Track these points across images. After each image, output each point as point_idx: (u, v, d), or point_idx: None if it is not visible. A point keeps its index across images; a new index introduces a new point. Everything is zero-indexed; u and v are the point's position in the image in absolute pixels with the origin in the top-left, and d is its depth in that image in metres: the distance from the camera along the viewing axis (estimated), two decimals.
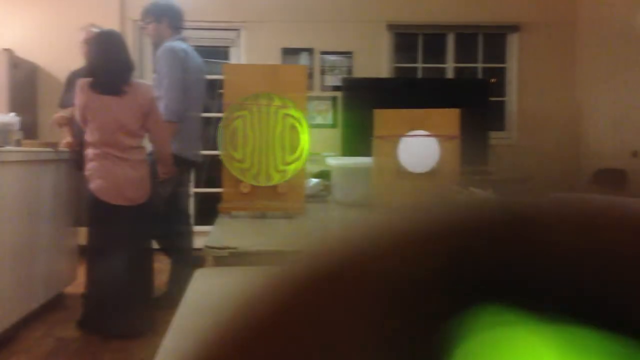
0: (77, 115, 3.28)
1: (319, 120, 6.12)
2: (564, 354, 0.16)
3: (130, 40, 5.59)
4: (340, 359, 0.17)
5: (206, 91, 4.05)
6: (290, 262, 0.21)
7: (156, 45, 3.85)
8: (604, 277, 0.18)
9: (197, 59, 3.87)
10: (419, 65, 6.46)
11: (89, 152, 3.25)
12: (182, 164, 3.75)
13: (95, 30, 3.64)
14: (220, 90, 1.99)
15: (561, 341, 0.16)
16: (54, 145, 3.82)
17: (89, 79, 3.23)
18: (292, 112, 1.91)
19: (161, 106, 3.52)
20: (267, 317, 0.19)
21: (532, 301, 0.17)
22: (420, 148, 2.02)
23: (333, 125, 6.13)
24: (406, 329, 0.17)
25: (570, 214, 0.20)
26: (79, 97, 3.22)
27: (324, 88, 6.20)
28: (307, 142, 1.93)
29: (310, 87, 6.06)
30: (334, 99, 6.17)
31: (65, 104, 3.84)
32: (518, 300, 0.17)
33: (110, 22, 5.01)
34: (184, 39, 3.85)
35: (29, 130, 4.89)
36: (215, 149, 1.92)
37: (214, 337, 0.19)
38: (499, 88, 6.47)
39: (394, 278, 0.18)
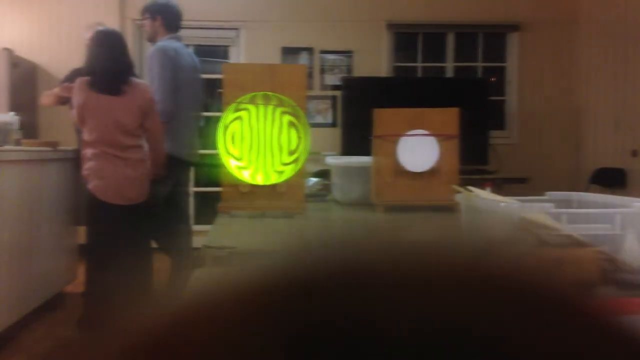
0: (75, 115, 3.27)
1: (318, 119, 6.12)
2: None
3: (129, 39, 5.58)
4: None
5: (203, 90, 4.05)
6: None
7: (151, 42, 3.89)
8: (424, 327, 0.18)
9: (190, 58, 3.87)
10: (419, 64, 6.46)
11: (87, 151, 3.25)
12: (176, 163, 3.74)
13: (101, 28, 3.64)
14: (220, 90, 1.99)
15: None
16: (53, 144, 3.82)
17: (88, 78, 3.22)
18: (292, 111, 1.91)
19: None
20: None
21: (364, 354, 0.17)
22: (419, 147, 2.02)
23: (333, 125, 6.13)
24: None
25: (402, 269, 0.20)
26: (78, 96, 3.21)
27: (324, 87, 6.20)
28: (306, 141, 1.93)
29: (309, 87, 6.06)
30: (333, 98, 6.17)
31: (64, 103, 3.85)
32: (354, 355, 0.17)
33: (109, 21, 5.00)
34: (178, 38, 3.86)
35: (29, 129, 4.88)
36: (215, 148, 1.92)
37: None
38: (499, 87, 6.47)
39: (230, 334, 0.18)
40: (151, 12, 3.85)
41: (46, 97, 3.88)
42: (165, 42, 3.77)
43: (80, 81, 3.23)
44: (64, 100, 3.72)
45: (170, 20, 3.86)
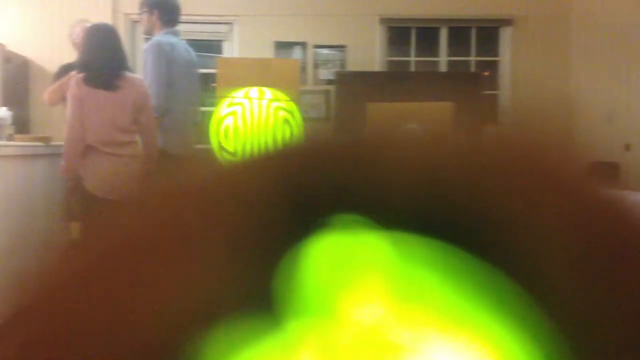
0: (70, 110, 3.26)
1: (312, 113, 6.10)
2: (401, 260, 0.17)
3: (122, 34, 5.56)
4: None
5: (198, 85, 4.05)
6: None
7: (148, 36, 3.89)
8: (437, 191, 0.19)
9: (186, 52, 3.86)
10: (412, 58, 6.46)
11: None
12: (170, 158, 3.74)
13: (87, 25, 3.63)
14: (213, 84, 1.98)
15: (399, 248, 0.17)
16: (46, 139, 3.80)
17: (83, 74, 3.21)
18: (285, 105, 1.91)
19: None
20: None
21: (373, 212, 0.18)
22: None
23: (326, 119, 6.12)
24: (256, 246, 0.18)
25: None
26: (73, 91, 3.20)
27: (317, 82, 6.18)
28: (299, 135, 1.92)
29: (303, 81, 6.03)
30: (327, 92, 6.16)
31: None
32: (362, 211, 0.18)
33: (102, 16, 4.98)
34: (175, 33, 3.85)
35: (21, 124, 4.86)
36: (207, 142, 1.92)
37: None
38: (492, 81, 6.47)
39: (239, 199, 0.19)
40: (148, 6, 3.84)
41: (50, 93, 3.85)
42: (162, 36, 3.76)
43: (76, 77, 3.22)
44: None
45: (167, 15, 3.85)
